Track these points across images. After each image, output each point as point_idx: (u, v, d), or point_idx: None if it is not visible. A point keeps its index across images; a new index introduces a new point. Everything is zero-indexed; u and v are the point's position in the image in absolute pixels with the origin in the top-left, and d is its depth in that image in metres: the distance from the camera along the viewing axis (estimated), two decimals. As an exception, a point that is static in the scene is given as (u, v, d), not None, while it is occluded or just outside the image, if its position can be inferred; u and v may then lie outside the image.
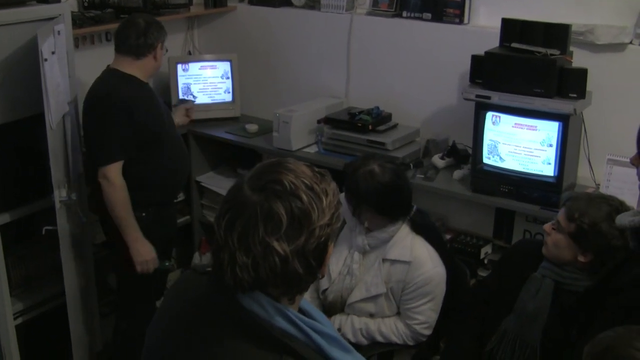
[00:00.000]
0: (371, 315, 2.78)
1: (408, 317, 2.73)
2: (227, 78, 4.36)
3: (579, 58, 3.19)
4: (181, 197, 4.21)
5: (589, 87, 3.07)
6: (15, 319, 3.29)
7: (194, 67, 4.31)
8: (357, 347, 2.69)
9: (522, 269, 2.54)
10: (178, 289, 1.57)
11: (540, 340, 2.43)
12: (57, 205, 3.19)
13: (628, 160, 2.09)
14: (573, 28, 3.13)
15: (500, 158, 3.23)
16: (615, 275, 1.99)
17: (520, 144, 3.17)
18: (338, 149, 3.72)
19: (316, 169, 1.42)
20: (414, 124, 3.82)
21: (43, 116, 3.02)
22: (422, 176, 3.45)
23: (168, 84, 4.28)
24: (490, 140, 3.24)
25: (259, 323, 1.35)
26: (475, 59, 3.25)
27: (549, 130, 3.08)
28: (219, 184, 4.24)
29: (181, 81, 4.29)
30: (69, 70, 3.28)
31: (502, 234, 3.49)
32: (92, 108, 3.13)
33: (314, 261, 1.35)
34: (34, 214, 3.40)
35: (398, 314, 2.78)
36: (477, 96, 3.18)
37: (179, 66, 4.28)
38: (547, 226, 2.51)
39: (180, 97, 4.28)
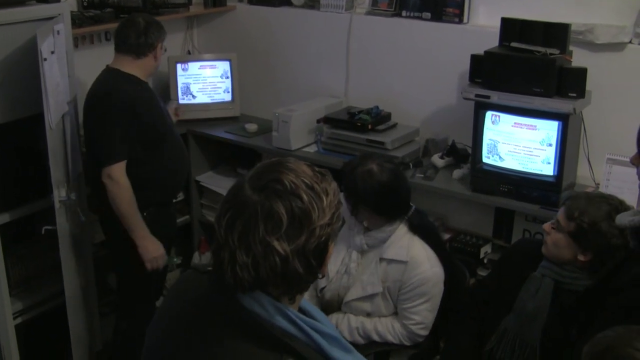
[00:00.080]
0: (368, 315, 2.78)
1: (404, 317, 2.73)
2: (227, 77, 4.36)
3: (579, 57, 3.19)
4: (181, 196, 4.21)
5: (588, 87, 3.07)
6: (14, 318, 3.29)
7: (194, 67, 4.31)
8: (354, 346, 2.69)
9: (522, 268, 2.54)
10: (178, 289, 1.57)
11: (539, 339, 2.43)
12: (57, 205, 3.19)
13: (628, 159, 2.09)
14: (572, 27, 3.13)
15: (500, 157, 3.23)
16: (615, 275, 1.99)
17: (519, 143, 3.16)
18: (337, 149, 3.72)
19: (317, 169, 1.42)
20: (413, 123, 3.81)
21: (42, 116, 3.02)
22: (422, 176, 3.45)
23: (167, 83, 4.28)
24: (490, 139, 3.24)
25: (259, 323, 1.35)
26: (474, 58, 3.24)
27: (549, 129, 3.08)
28: (218, 183, 4.24)
29: (180, 81, 4.29)
30: (68, 70, 3.28)
31: (501, 233, 3.49)
32: (94, 108, 3.13)
33: (315, 261, 1.35)
34: (33, 214, 3.39)
35: (395, 313, 2.78)
36: (477, 95, 3.18)
37: (179, 66, 4.27)
38: (546, 225, 2.51)
39: (180, 96, 4.28)
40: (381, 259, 2.74)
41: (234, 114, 4.37)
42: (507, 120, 3.17)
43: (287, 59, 4.30)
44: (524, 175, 3.17)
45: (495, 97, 3.12)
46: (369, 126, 3.63)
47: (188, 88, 4.30)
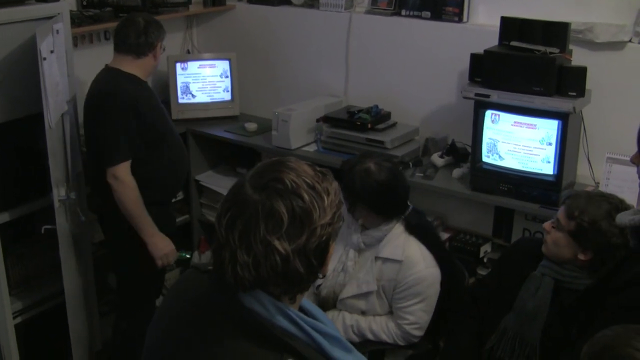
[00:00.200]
0: (363, 313, 2.78)
1: (399, 316, 2.73)
2: (226, 77, 4.35)
3: (578, 56, 3.19)
4: (180, 196, 4.21)
5: (588, 86, 3.07)
6: (14, 318, 3.29)
7: (193, 66, 4.31)
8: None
9: (522, 267, 2.54)
10: (178, 288, 1.57)
11: (540, 339, 2.43)
12: (56, 204, 3.19)
13: (627, 158, 2.09)
14: (572, 26, 3.13)
15: (500, 156, 3.23)
16: (615, 274, 1.99)
17: (519, 142, 3.16)
18: (337, 148, 3.72)
19: (318, 168, 1.41)
20: (413, 122, 3.81)
21: (42, 115, 3.02)
22: (421, 175, 3.45)
23: (167, 82, 4.28)
24: (490, 138, 3.24)
25: (260, 322, 1.35)
26: (474, 57, 3.24)
27: (548, 128, 3.08)
28: (218, 182, 4.23)
29: (180, 80, 4.29)
30: (67, 69, 3.28)
31: (501, 232, 3.49)
32: (96, 108, 3.12)
33: (315, 260, 1.35)
34: (33, 213, 3.39)
35: (391, 313, 2.78)
36: (477, 94, 3.18)
37: (178, 65, 4.27)
38: (546, 224, 2.51)
39: (180, 96, 4.28)
40: (376, 258, 2.74)
41: (233, 113, 4.37)
42: (507, 119, 3.17)
43: (286, 58, 4.30)
44: (523, 175, 3.16)
45: (495, 96, 3.12)
46: (369, 125, 3.63)
47: (187, 87, 4.30)
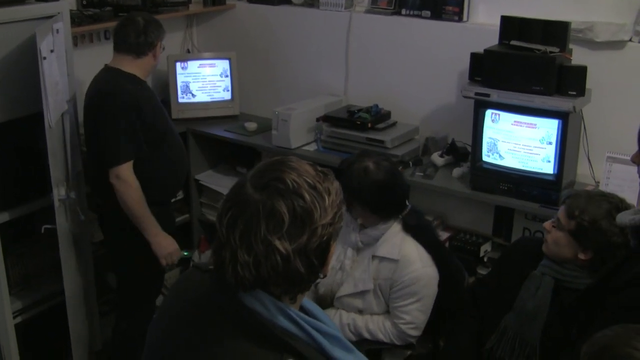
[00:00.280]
0: (360, 311, 2.78)
1: (395, 316, 2.73)
2: (226, 76, 4.35)
3: (578, 55, 3.19)
4: (180, 195, 4.21)
5: (588, 85, 3.07)
6: (14, 317, 3.29)
7: (193, 66, 4.31)
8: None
9: (522, 266, 2.54)
10: (178, 288, 1.57)
11: (540, 338, 2.43)
12: (56, 203, 3.19)
13: (627, 157, 2.09)
14: (572, 25, 3.13)
15: (500, 156, 3.23)
16: (615, 274, 1.99)
17: (519, 141, 3.16)
18: (337, 147, 3.71)
19: (319, 168, 1.41)
20: (413, 121, 3.81)
21: (42, 115, 3.02)
22: (421, 174, 3.45)
23: (167, 82, 4.28)
24: (490, 138, 3.23)
25: (260, 322, 1.35)
26: (474, 56, 3.24)
27: (549, 127, 3.08)
28: (218, 182, 4.23)
29: (180, 79, 4.28)
30: (67, 69, 3.28)
31: (501, 231, 3.49)
32: (97, 107, 3.11)
33: (316, 260, 1.35)
34: (33, 213, 3.39)
35: (388, 312, 2.78)
36: (477, 94, 3.18)
37: (178, 64, 4.27)
38: (547, 224, 2.51)
39: (180, 95, 4.28)
40: (373, 257, 2.74)
41: (233, 113, 4.37)
42: (507, 118, 3.17)
43: (286, 57, 4.30)
44: (523, 174, 3.16)
45: (495, 95, 3.12)
46: (369, 125, 3.63)
47: (187, 87, 4.30)
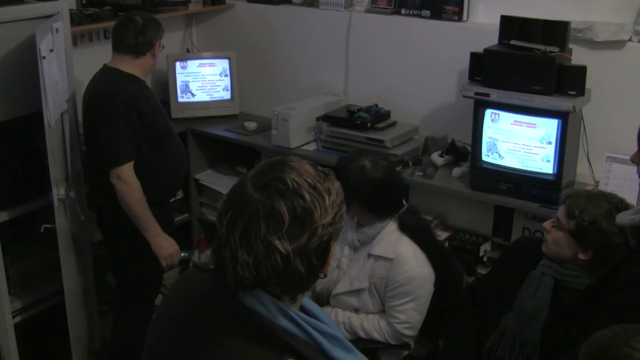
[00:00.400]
0: (355, 310, 2.78)
1: (390, 315, 2.73)
2: (226, 76, 4.35)
3: (578, 55, 3.18)
4: (180, 195, 4.21)
5: (588, 85, 3.07)
6: (13, 317, 3.29)
7: (193, 65, 4.31)
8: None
9: (522, 266, 2.54)
10: (178, 288, 1.57)
11: (539, 338, 2.43)
12: (56, 203, 3.19)
13: (627, 157, 2.09)
14: (572, 25, 3.13)
15: (500, 155, 3.23)
16: (615, 274, 1.99)
17: (519, 141, 3.16)
18: (337, 147, 3.71)
19: (320, 168, 1.41)
20: (412, 121, 3.81)
21: (41, 114, 3.02)
22: (421, 174, 3.45)
23: (166, 81, 4.28)
24: (489, 137, 3.23)
25: (260, 322, 1.35)
26: (474, 56, 3.24)
27: (548, 127, 3.08)
28: (217, 181, 4.23)
29: (179, 79, 4.28)
30: (67, 68, 3.28)
31: (501, 231, 3.49)
32: (96, 107, 3.10)
33: (316, 260, 1.35)
34: (32, 212, 3.40)
35: (384, 311, 2.78)
36: (476, 94, 3.17)
37: (178, 64, 4.27)
38: (547, 224, 2.51)
39: (179, 95, 4.27)
40: (369, 255, 2.74)
41: (233, 112, 4.37)
42: (507, 118, 3.17)
43: (286, 57, 4.29)
44: (523, 174, 3.16)
45: (495, 95, 3.12)
46: (369, 124, 3.63)
47: (187, 86, 4.30)
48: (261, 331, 1.35)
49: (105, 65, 3.21)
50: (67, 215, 3.29)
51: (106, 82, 3.13)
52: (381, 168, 2.67)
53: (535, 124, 3.11)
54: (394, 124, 3.76)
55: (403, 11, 3.77)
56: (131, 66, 3.16)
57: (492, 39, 3.23)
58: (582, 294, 2.17)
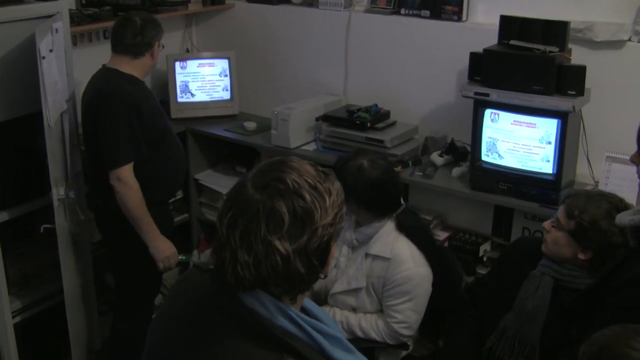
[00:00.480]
0: (353, 309, 2.78)
1: (388, 315, 2.73)
2: (225, 76, 4.35)
3: (578, 55, 3.19)
4: (179, 195, 4.21)
5: (587, 84, 3.07)
6: (13, 317, 3.29)
7: (192, 65, 4.30)
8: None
9: (521, 266, 2.54)
10: (179, 288, 1.57)
11: (539, 338, 2.43)
12: (56, 203, 3.19)
13: (627, 157, 2.09)
14: (572, 25, 3.13)
15: (499, 155, 3.23)
16: (614, 274, 1.99)
17: (519, 141, 3.16)
18: (336, 147, 3.71)
19: (320, 168, 1.41)
20: (412, 121, 3.81)
21: (41, 114, 3.02)
22: (421, 174, 3.45)
23: (166, 81, 4.28)
24: (489, 137, 3.23)
25: (260, 322, 1.35)
26: (473, 56, 3.24)
27: (548, 127, 3.08)
28: (217, 181, 4.23)
29: (179, 79, 4.28)
30: (66, 68, 3.28)
31: (500, 231, 3.49)
32: (96, 107, 3.09)
33: (316, 261, 1.35)
34: (32, 212, 3.39)
35: (381, 311, 2.78)
36: (476, 93, 3.17)
37: (177, 64, 4.27)
38: (546, 224, 2.51)
39: (179, 95, 4.27)
40: (367, 255, 2.74)
41: (232, 112, 4.37)
42: (506, 118, 3.17)
43: (285, 57, 4.29)
44: (523, 173, 3.16)
45: (495, 95, 3.12)
46: (368, 124, 3.63)
47: (187, 86, 4.30)
48: (261, 331, 1.34)
49: (104, 65, 3.21)
50: (67, 215, 3.29)
51: (105, 82, 3.12)
52: (379, 167, 2.67)
53: (534, 124, 3.11)
54: (393, 124, 3.76)
55: (402, 11, 3.77)
56: (130, 67, 3.16)
57: (491, 39, 3.23)
58: (582, 294, 2.17)
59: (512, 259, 2.67)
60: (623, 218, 1.95)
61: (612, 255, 2.29)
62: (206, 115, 4.30)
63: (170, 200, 3.58)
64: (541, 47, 3.04)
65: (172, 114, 4.18)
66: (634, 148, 1.97)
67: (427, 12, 3.69)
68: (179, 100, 4.27)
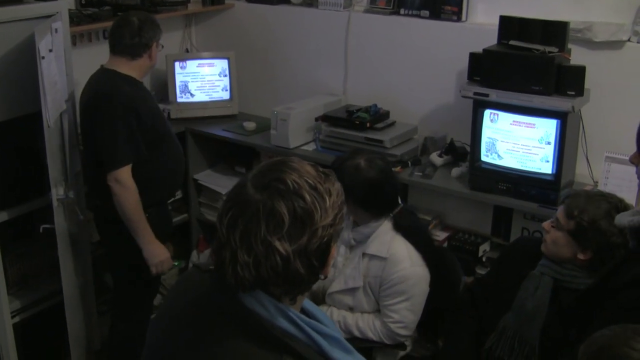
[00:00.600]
0: (350, 309, 2.78)
1: (385, 314, 2.73)
2: (225, 76, 4.35)
3: (577, 55, 3.19)
4: (179, 195, 4.21)
5: (587, 85, 3.07)
6: (12, 317, 3.28)
7: (192, 65, 4.30)
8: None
9: (521, 266, 2.54)
10: (178, 288, 1.57)
11: (539, 338, 2.43)
12: (55, 203, 3.18)
13: (626, 157, 2.09)
14: (571, 25, 3.13)
15: (499, 156, 3.23)
16: (614, 275, 1.99)
17: (518, 141, 3.16)
18: (336, 147, 3.71)
19: (320, 169, 1.41)
20: (412, 121, 3.81)
21: (40, 114, 3.01)
22: (420, 174, 3.45)
23: (165, 81, 4.28)
24: (488, 137, 3.24)
25: (260, 322, 1.35)
26: (473, 56, 3.24)
27: (547, 127, 3.08)
28: (216, 182, 4.23)
29: (179, 79, 4.28)
30: (66, 68, 3.27)
31: (500, 231, 3.49)
32: (94, 108, 3.08)
33: (316, 261, 1.35)
34: (31, 213, 3.39)
35: (379, 311, 2.78)
36: (475, 94, 3.18)
37: (177, 64, 4.26)
38: (546, 224, 2.51)
39: (178, 95, 4.27)
40: (364, 254, 2.74)
41: (232, 112, 4.37)
42: (506, 118, 3.17)
43: (285, 57, 4.30)
44: (522, 174, 3.17)
45: (494, 95, 3.12)
46: (368, 124, 3.63)
47: (186, 86, 4.30)
48: (261, 332, 1.34)
49: (102, 66, 3.20)
50: (66, 216, 3.29)
51: (104, 83, 3.11)
52: (376, 167, 2.68)
53: (534, 124, 3.11)
54: (393, 124, 3.76)
55: (402, 11, 3.78)
56: (128, 67, 3.14)
57: (491, 39, 3.23)
58: (582, 294, 2.17)
59: (511, 259, 2.67)
60: (622, 219, 1.95)
61: (612, 255, 2.29)
62: (205, 116, 4.30)
63: (169, 201, 3.58)
64: (540, 47, 3.04)
65: (172, 114, 4.19)
66: (634, 148, 1.97)
67: (426, 12, 3.69)
68: (179, 100, 4.28)
